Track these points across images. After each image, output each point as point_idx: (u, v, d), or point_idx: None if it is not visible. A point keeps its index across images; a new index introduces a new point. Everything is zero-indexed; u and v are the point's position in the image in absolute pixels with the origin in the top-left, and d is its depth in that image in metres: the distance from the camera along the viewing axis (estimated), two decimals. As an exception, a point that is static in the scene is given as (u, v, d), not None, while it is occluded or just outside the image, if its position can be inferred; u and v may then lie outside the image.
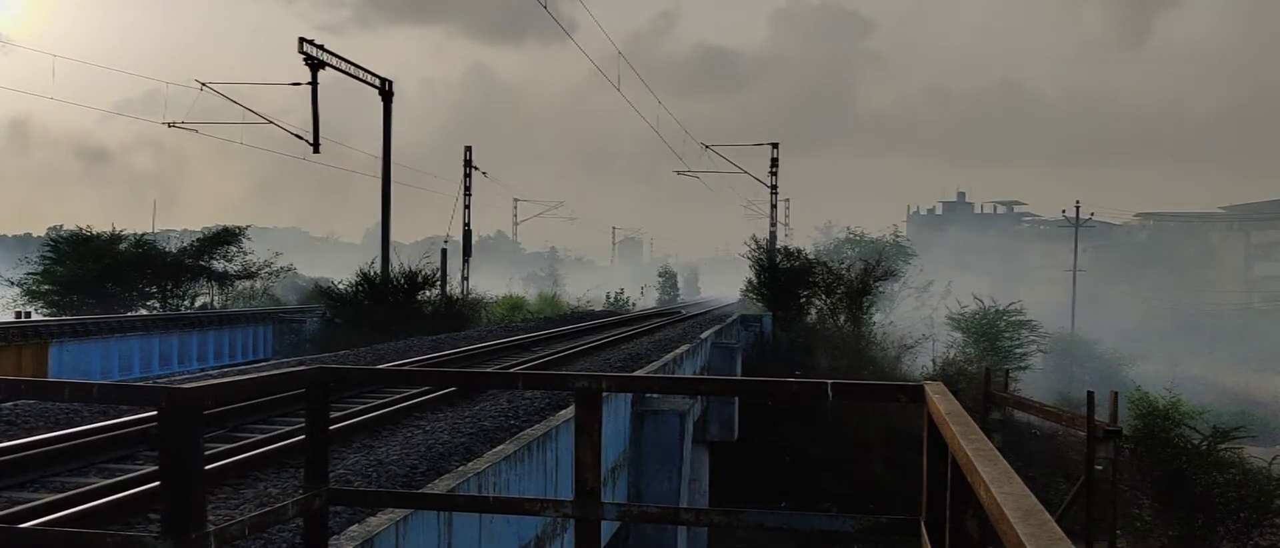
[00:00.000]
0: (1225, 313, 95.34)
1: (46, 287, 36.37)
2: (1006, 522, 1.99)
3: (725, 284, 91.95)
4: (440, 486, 6.66)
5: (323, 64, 30.85)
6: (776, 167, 48.58)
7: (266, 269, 43.74)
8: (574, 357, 19.29)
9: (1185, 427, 25.30)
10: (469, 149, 46.54)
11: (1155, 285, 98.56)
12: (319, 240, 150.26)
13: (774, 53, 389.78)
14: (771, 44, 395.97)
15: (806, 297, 41.41)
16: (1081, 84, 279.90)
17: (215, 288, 41.80)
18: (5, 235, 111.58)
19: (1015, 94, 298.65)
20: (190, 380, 11.39)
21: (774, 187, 48.77)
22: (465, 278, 45.33)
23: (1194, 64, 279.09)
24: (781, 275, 41.71)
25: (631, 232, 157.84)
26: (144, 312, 36.39)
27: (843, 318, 39.73)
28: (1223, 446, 25.09)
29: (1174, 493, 23.53)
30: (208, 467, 6.21)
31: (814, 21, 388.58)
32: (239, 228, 43.15)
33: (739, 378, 21.13)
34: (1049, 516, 1.98)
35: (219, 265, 41.61)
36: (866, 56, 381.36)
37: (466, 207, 46.38)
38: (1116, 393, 21.20)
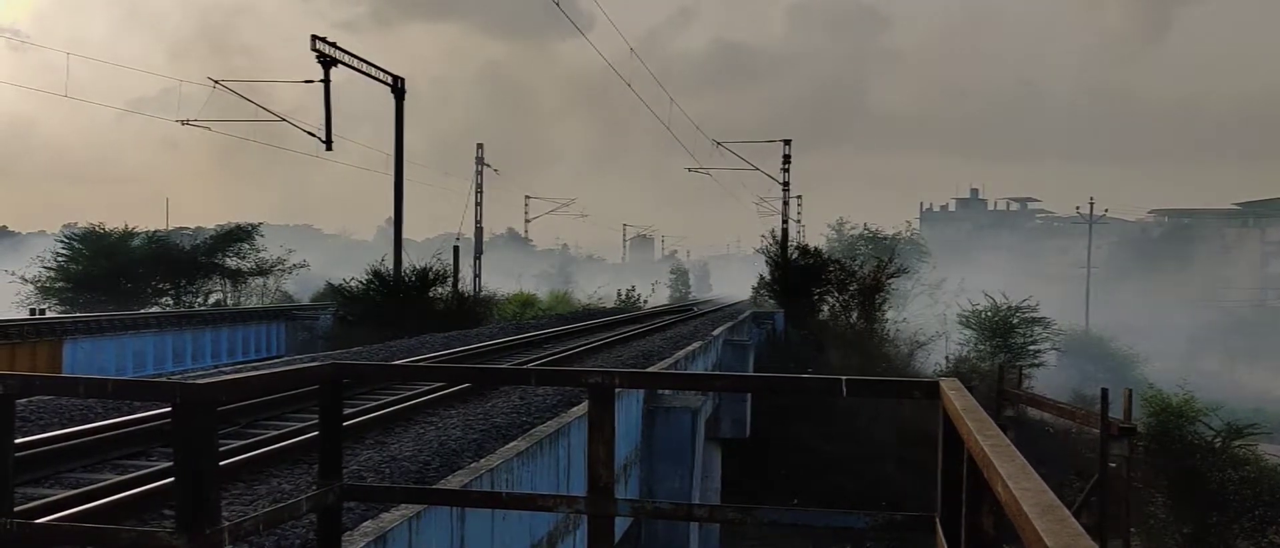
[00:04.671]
0: (1240, 310, 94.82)
1: (60, 284, 36.58)
2: (1025, 518, 1.97)
3: (737, 281, 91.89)
4: (453, 482, 6.66)
5: (335, 62, 30.91)
6: (789, 163, 48.48)
7: (279, 267, 43.86)
8: (586, 354, 19.28)
9: (1199, 424, 25.20)
10: (481, 146, 46.66)
11: (1169, 282, 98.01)
12: (331, 237, 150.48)
13: (789, 49, 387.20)
14: (787, 40, 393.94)
15: (819, 294, 41.32)
16: (1098, 80, 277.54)
17: (228, 285, 41.96)
18: (19, 232, 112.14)
19: (1031, 91, 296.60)
20: (204, 377, 11.43)
21: (786, 183, 48.66)
22: (477, 275, 45.42)
23: (1211, 60, 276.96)
24: (794, 273, 41.63)
25: (643, 229, 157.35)
26: (157, 309, 36.54)
27: (855, 315, 39.63)
28: (1237, 443, 24.99)
29: (1188, 491, 23.42)
30: (221, 463, 6.23)
31: (830, 17, 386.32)
32: (252, 225, 43.30)
33: (751, 374, 21.07)
34: (1068, 512, 1.96)
35: (232, 263, 41.75)
36: (883, 53, 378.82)
37: (478, 204, 46.50)
38: (1130, 390, 21.15)
